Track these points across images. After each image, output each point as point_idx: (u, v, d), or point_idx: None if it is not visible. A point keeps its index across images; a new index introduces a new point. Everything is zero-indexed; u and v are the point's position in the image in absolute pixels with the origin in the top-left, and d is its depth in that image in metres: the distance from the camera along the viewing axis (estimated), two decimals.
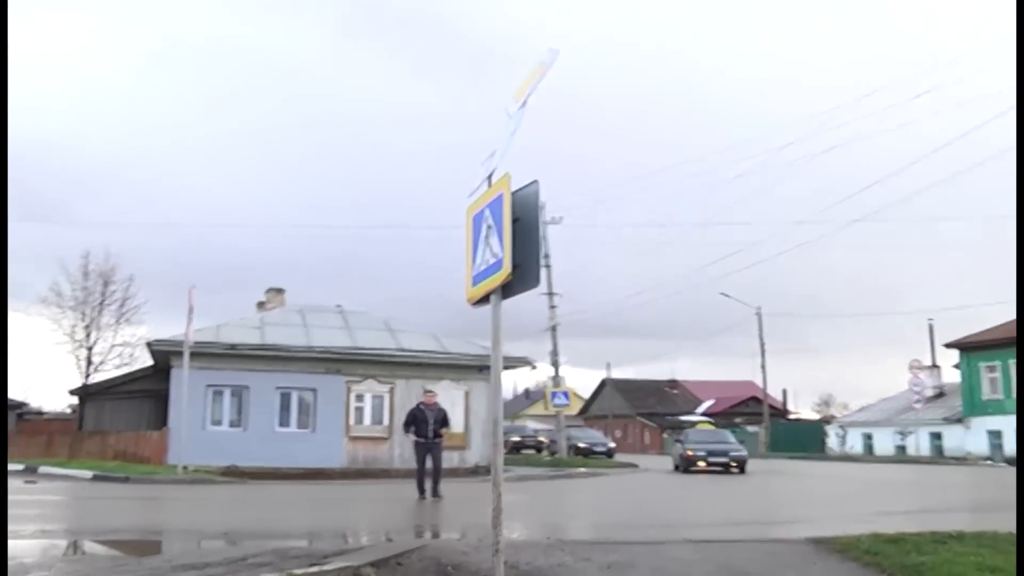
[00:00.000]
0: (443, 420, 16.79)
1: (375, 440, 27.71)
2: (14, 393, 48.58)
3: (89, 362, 34.22)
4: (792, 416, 68.03)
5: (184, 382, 22.86)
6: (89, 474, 20.80)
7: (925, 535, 8.29)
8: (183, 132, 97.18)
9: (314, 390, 27.31)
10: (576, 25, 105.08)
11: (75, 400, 35.64)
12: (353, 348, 28.07)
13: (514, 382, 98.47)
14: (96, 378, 34.35)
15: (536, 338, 40.77)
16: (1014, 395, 37.94)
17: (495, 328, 6.26)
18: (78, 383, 33.95)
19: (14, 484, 18.04)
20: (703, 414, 71.29)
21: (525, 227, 5.99)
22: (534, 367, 31.96)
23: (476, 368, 28.88)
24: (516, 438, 46.17)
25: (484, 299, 6.40)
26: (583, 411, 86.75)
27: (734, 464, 27.88)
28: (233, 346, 26.38)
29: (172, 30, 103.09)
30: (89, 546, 9.00)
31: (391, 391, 28.09)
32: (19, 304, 36.16)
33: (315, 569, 5.58)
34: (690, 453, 29.12)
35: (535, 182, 6.05)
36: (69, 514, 13.12)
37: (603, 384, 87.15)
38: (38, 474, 21.45)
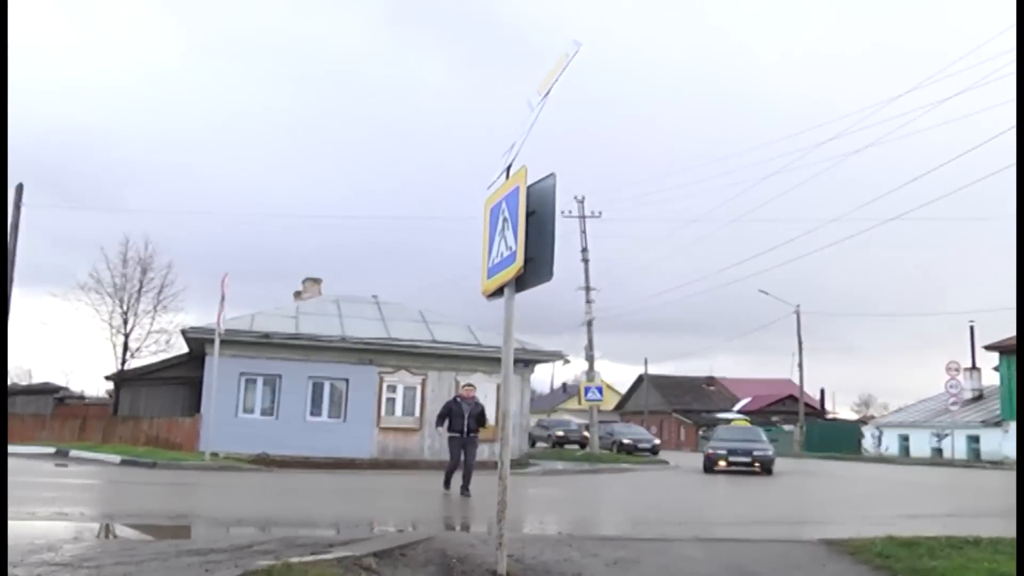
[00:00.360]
0: (480, 415, 15.89)
1: (406, 431, 27.82)
2: (55, 377, 49.41)
3: (126, 348, 34.74)
4: (830, 416, 67.41)
5: (215, 369, 23.07)
6: (117, 459, 21.04)
7: (941, 539, 8.16)
8: (228, 121, 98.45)
9: (346, 380, 27.45)
10: (619, 22, 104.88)
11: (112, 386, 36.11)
12: (387, 339, 28.16)
13: (551, 376, 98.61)
14: (133, 364, 34.86)
15: (573, 332, 40.93)
16: None
17: (507, 321, 6.24)
18: (115, 369, 34.44)
19: (44, 467, 18.39)
20: (739, 412, 70.90)
21: (541, 220, 5.97)
22: (567, 361, 32.26)
23: None
24: (559, 433, 45.00)
25: (499, 292, 6.40)
26: (619, 406, 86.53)
27: (757, 464, 26.08)
28: (267, 335, 26.58)
29: (220, 20, 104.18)
30: (100, 529, 9.07)
31: (423, 382, 28.19)
32: (59, 289, 36.74)
33: (313, 558, 5.57)
34: (710, 452, 27.71)
35: (552, 175, 5.99)
36: (88, 498, 13.23)
37: (640, 380, 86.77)
38: (69, 457, 21.69)
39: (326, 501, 14.74)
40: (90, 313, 35.17)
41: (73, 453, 22.30)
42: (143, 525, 9.53)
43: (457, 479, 15.38)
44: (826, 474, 29.58)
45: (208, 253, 63.47)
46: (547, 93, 6.11)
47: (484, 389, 28.42)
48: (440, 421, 16.06)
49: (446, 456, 28.87)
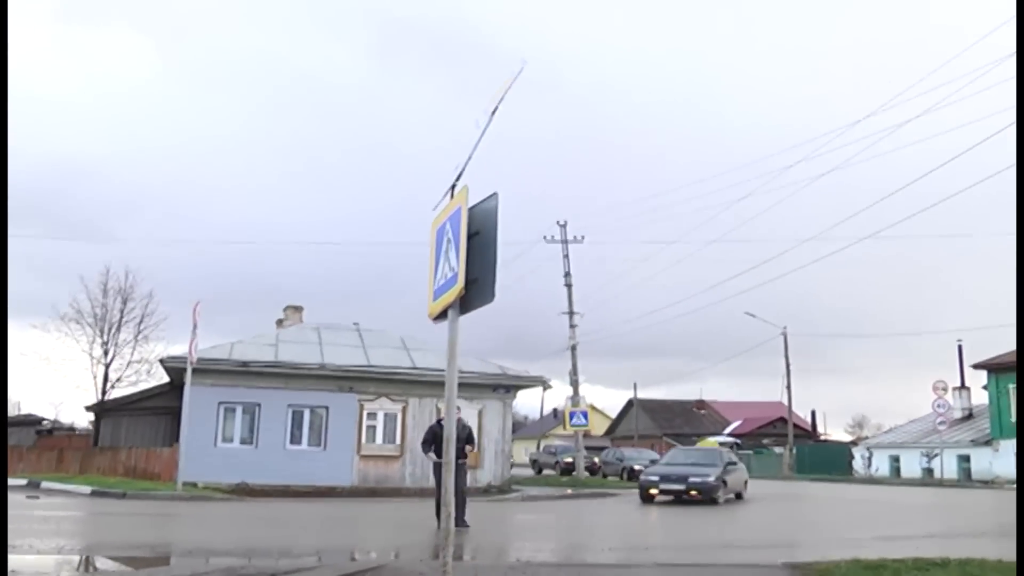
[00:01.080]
0: (467, 438, 14.94)
1: (387, 459, 27.77)
2: (39, 409, 49.20)
3: (106, 379, 34.73)
4: (822, 438, 67.37)
5: (188, 398, 23.03)
6: (88, 490, 20.99)
7: (908, 562, 8.13)
8: (216, 151, 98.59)
9: (326, 408, 27.41)
10: (605, 49, 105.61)
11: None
12: (366, 366, 28.15)
13: (540, 401, 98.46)
14: (115, 394, 34.78)
15: (560, 357, 40.69)
16: None
17: (451, 343, 6.29)
18: (96, 399, 34.36)
19: (15, 498, 18.29)
20: (730, 434, 70.82)
21: (484, 241, 6.02)
22: (549, 386, 31.98)
23: (490, 387, 28.92)
24: (567, 459, 43.22)
25: (444, 314, 6.42)
26: (610, 431, 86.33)
27: (693, 492, 21.77)
28: (245, 363, 26.56)
29: (209, 50, 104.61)
30: (33, 561, 8.99)
31: (404, 409, 28.17)
32: (40, 320, 36.64)
33: None
34: (642, 479, 24.23)
35: (494, 195, 6.05)
36: (40, 529, 13.14)
37: (630, 404, 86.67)
38: (40, 489, 21.62)
39: (293, 531, 14.61)
40: (71, 344, 35.15)
41: (45, 484, 22.22)
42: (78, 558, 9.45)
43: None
44: (809, 497, 29.55)
45: (194, 282, 63.42)
46: (494, 111, 6.13)
47: (465, 415, 28.30)
48: (427, 446, 15.15)
49: (429, 483, 28.92)
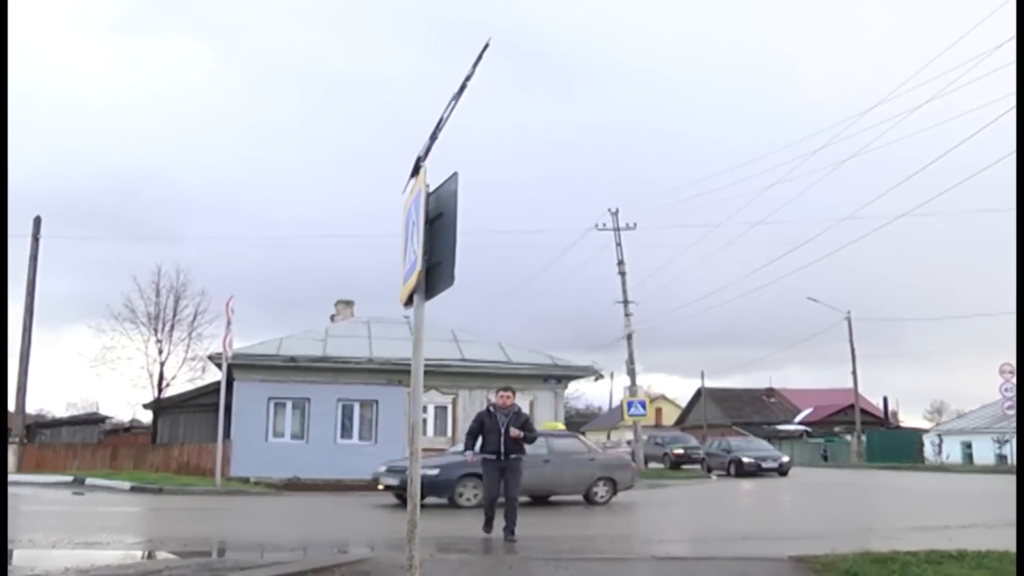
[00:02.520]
0: (524, 427, 11.86)
1: (438, 452, 27.96)
2: (117, 410, 50.58)
3: (162, 377, 35.51)
4: (895, 424, 66.23)
5: (229, 392, 23.57)
6: (128, 485, 21.53)
7: (920, 554, 7.88)
8: (274, 149, 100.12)
9: (376, 401, 27.75)
10: (653, 41, 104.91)
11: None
12: None
13: (610, 392, 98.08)
14: (171, 392, 35.59)
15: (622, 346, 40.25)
16: None
17: (417, 328, 6.24)
18: (152, 397, 35.20)
19: (60, 495, 18.92)
20: (801, 423, 70.00)
21: (445, 224, 5.96)
22: (600, 376, 31.92)
23: (541, 377, 29.02)
24: (678, 450, 40.26)
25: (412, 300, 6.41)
26: (680, 421, 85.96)
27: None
28: (292, 358, 27.01)
29: (261, 52, 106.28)
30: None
31: (454, 401, 28.41)
32: (102, 321, 37.56)
33: None
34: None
35: (454, 175, 6.01)
36: (54, 524, 13.36)
37: (699, 393, 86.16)
38: (84, 485, 22.26)
39: (312, 524, 14.64)
40: (126, 343, 36.02)
41: (89, 481, 22.83)
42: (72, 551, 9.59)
43: (499, 517, 11.59)
44: (865, 485, 28.80)
45: (252, 278, 64.65)
46: (460, 91, 6.03)
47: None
48: (471, 441, 12.20)
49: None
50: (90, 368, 51.98)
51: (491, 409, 12.06)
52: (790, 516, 17.35)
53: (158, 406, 34.32)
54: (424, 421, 28.33)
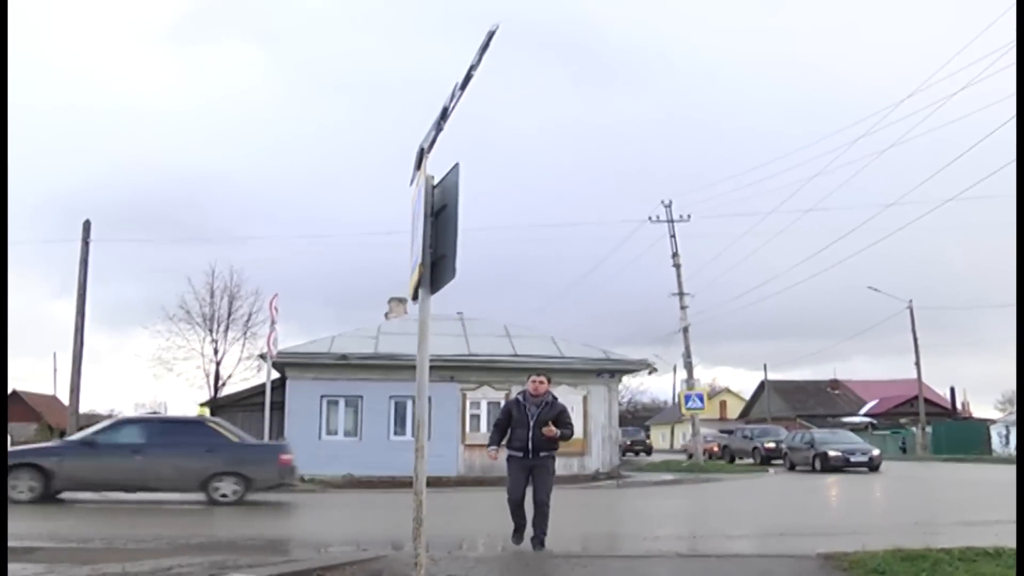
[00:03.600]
0: (558, 419, 10.00)
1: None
2: (190, 409, 51.97)
3: (217, 376, 36.16)
4: (964, 415, 65.06)
5: (267, 391, 24.02)
6: None
7: (954, 552, 7.72)
8: (332, 153, 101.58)
9: (428, 398, 27.82)
10: (688, 36, 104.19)
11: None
12: (467, 355, 28.54)
13: (673, 386, 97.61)
14: (227, 391, 36.21)
15: (699, 341, 40.05)
16: None
17: (421, 323, 6.31)
18: (209, 397, 35.87)
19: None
20: (866, 415, 69.07)
21: (448, 216, 5.98)
22: (654, 370, 31.78)
23: (594, 372, 29.00)
24: (770, 444, 37.77)
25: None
26: (744, 414, 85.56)
27: None
28: (344, 356, 27.31)
29: (315, 56, 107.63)
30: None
31: (507, 397, 28.41)
32: (159, 323, 38.35)
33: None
34: None
35: (455, 167, 5.99)
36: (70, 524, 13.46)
37: (762, 386, 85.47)
38: None
39: (348, 522, 14.82)
40: (182, 343, 36.73)
41: None
42: (82, 549, 9.56)
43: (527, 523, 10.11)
44: (923, 477, 28.21)
45: (318, 279, 65.69)
46: (466, 81, 5.99)
47: (570, 401, 28.52)
48: (496, 435, 10.52)
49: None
50: (148, 369, 53.21)
51: (520, 398, 10.26)
52: (834, 511, 17.09)
53: (215, 405, 34.88)
54: (476, 417, 28.48)
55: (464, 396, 28.16)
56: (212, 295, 36.62)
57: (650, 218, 37.72)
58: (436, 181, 6.10)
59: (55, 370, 54.94)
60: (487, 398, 28.42)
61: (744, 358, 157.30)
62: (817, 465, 31.13)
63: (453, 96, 5.96)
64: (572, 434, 10.28)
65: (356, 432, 27.45)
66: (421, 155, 6.12)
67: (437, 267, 5.99)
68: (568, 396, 28.40)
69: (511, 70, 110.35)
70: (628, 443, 56.14)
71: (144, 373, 74.43)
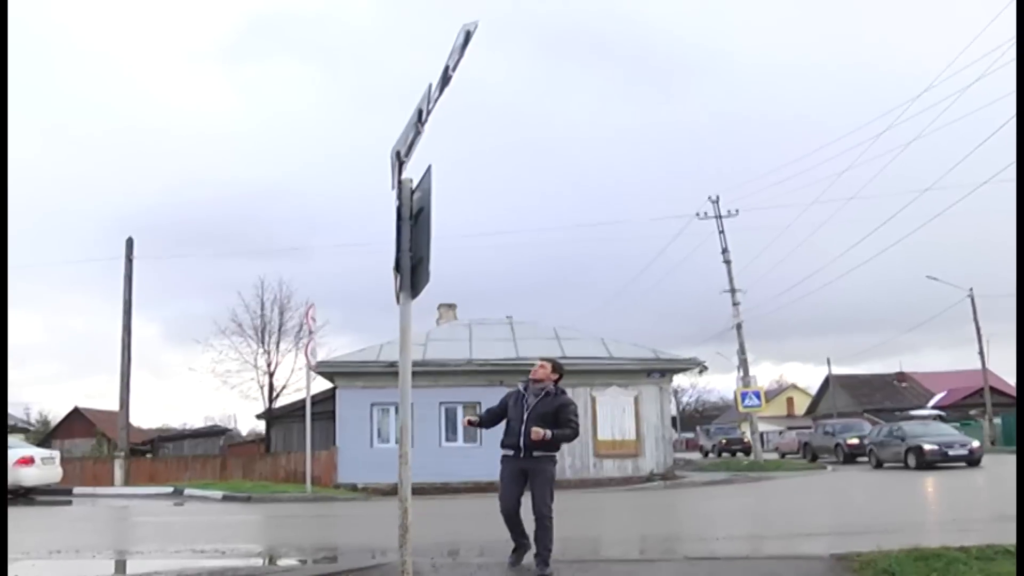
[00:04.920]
0: (554, 416, 8.37)
1: None
2: (241, 420, 52.97)
3: (271, 388, 36.62)
4: None
5: (307, 401, 24.48)
6: (220, 495, 22.35)
7: (972, 550, 7.49)
8: (381, 163, 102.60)
9: (478, 403, 28.09)
10: (731, 33, 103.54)
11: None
12: (515, 359, 28.61)
13: (735, 384, 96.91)
14: (282, 402, 36.76)
15: (764, 337, 39.80)
16: None
17: (402, 329, 6.31)
18: (263, 408, 36.44)
19: (162, 505, 19.92)
20: (934, 407, 67.91)
21: (425, 219, 6.05)
22: (705, 368, 31.68)
23: (644, 372, 28.95)
24: (853, 440, 34.98)
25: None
26: (810, 410, 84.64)
27: None
28: (392, 364, 27.57)
29: (366, 71, 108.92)
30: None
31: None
32: (212, 336, 39.09)
33: None
34: None
35: (428, 169, 6.06)
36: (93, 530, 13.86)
37: (827, 381, 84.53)
38: (183, 496, 23.09)
39: (368, 529, 14.90)
40: (235, 356, 37.31)
41: (188, 491, 23.62)
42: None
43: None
44: (975, 471, 26.66)
45: (379, 289, 66.25)
46: (444, 82, 6.09)
47: (621, 402, 28.73)
48: (484, 419, 9.22)
49: (590, 474, 29.16)
50: (203, 382, 54.26)
51: (522, 388, 8.79)
52: (881, 508, 16.56)
53: (270, 416, 35.49)
54: None
55: None
56: (262, 307, 37.12)
57: (697, 214, 37.56)
58: (414, 185, 6.11)
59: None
60: None
61: (811, 354, 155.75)
62: (911, 461, 28.31)
63: (430, 97, 5.99)
64: (573, 436, 8.49)
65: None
66: (398, 158, 6.05)
67: (417, 271, 6.00)
68: (619, 397, 28.56)
69: (563, 73, 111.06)
70: (723, 442, 55.36)
71: (211, 387, 75.93)
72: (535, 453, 8.27)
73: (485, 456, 27.07)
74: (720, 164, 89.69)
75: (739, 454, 51.03)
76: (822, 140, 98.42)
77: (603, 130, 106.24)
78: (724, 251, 36.95)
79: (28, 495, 21.52)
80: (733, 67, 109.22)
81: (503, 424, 8.75)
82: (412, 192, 6.10)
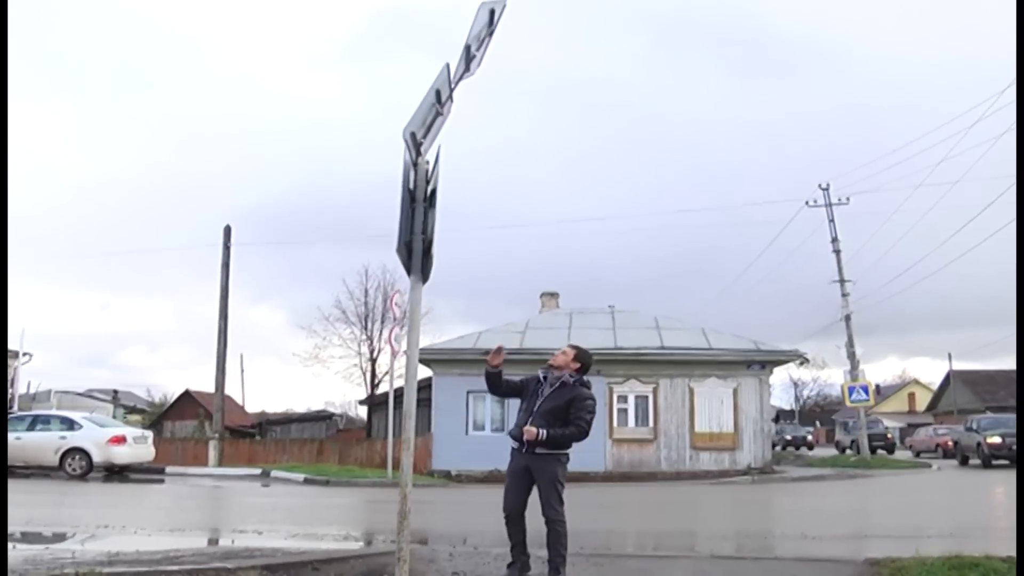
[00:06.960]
0: (567, 408, 7.63)
1: (640, 442, 28.24)
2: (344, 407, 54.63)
3: (373, 374, 37.48)
4: None
5: (390, 390, 24.57)
6: (301, 478, 22.95)
7: (1012, 559, 7.12)
8: (513, 160, 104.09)
9: (416, 389, 28.22)
10: (840, 24, 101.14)
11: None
12: (613, 348, 28.67)
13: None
14: (384, 388, 37.61)
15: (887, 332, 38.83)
16: None
17: (412, 313, 6.30)
18: (366, 394, 37.36)
19: (243, 485, 20.79)
20: None
21: (433, 201, 6.08)
22: (805, 360, 31.26)
23: (744, 364, 28.72)
24: (994, 439, 28.87)
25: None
26: (931, 407, 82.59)
27: None
28: (487, 352, 27.90)
29: (495, 67, 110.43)
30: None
31: (654, 391, 28.54)
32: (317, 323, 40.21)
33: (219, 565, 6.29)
34: None
35: (438, 152, 6.15)
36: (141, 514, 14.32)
37: (948, 377, 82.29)
38: (270, 478, 23.85)
39: (440, 517, 14.95)
40: (338, 342, 38.32)
41: (274, 473, 24.31)
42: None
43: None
44: None
45: (501, 278, 67.50)
46: (469, 61, 6.22)
47: (719, 394, 28.59)
48: (500, 382, 8.08)
49: (686, 466, 29.09)
50: (305, 367, 55.69)
51: (542, 375, 8.05)
52: (957, 511, 16.07)
53: (371, 402, 36.33)
54: (624, 412, 28.72)
55: (611, 390, 28.31)
56: (366, 294, 38.00)
57: (807, 203, 37.02)
58: (429, 168, 6.10)
59: (241, 371, 60.59)
60: (634, 392, 28.56)
61: (937, 348, 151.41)
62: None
63: (450, 78, 6.06)
64: (579, 435, 7.62)
65: (503, 427, 28.08)
66: (413, 139, 5.92)
67: (428, 254, 5.99)
68: (717, 389, 28.46)
69: (685, 65, 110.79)
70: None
71: (330, 374, 78.36)
72: (537, 450, 7.38)
73: (581, 445, 27.40)
74: (835, 152, 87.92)
75: (880, 451, 45.05)
76: (932, 127, 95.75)
77: (723, 123, 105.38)
78: (834, 240, 36.32)
79: (123, 472, 22.73)
80: (851, 56, 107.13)
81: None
82: (427, 174, 6.09)
